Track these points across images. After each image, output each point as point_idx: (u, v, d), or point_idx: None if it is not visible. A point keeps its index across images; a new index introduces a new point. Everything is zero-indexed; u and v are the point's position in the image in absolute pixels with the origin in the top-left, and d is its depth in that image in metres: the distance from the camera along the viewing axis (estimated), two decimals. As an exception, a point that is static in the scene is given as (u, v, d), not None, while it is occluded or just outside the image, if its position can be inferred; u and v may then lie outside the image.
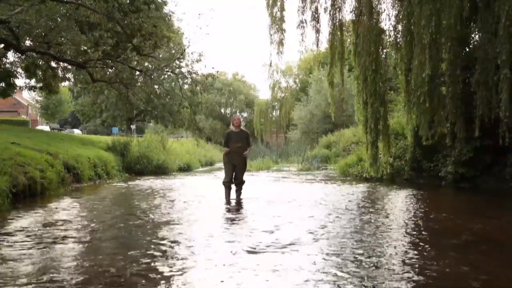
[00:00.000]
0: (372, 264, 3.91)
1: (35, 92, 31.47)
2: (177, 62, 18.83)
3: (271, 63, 13.02)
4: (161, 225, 5.82)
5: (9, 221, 5.97)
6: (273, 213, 6.74)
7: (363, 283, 3.39)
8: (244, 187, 8.54)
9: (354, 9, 11.58)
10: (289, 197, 8.79)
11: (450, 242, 4.95)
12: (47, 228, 5.54)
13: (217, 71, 18.87)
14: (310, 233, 5.20)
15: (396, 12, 11.16)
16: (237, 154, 8.28)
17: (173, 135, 34.44)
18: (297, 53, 30.55)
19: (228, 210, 7.40)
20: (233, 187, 8.47)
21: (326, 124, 30.60)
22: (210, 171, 19.36)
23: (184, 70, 18.56)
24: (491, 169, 10.51)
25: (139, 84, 19.54)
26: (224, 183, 8.44)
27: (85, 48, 15.37)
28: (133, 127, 35.37)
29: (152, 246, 4.56)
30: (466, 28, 10.22)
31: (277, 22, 11.95)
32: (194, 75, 17.94)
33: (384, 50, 11.54)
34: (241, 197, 8.36)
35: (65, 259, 4.13)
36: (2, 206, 6.73)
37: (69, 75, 19.93)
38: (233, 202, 8.05)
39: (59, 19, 13.63)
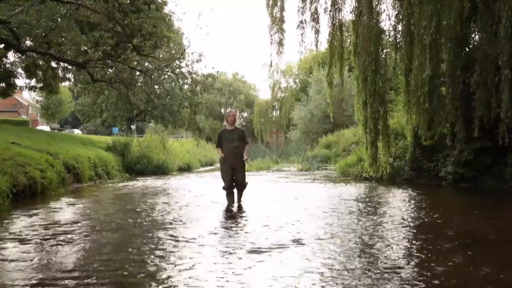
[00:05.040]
0: (371, 264, 3.92)
1: (35, 92, 31.51)
2: (177, 62, 18.86)
3: (271, 63, 13.12)
4: (161, 225, 5.83)
5: (9, 221, 5.98)
6: (273, 213, 6.74)
7: (362, 284, 3.40)
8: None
9: (354, 9, 11.59)
10: (289, 197, 8.79)
11: (449, 242, 4.96)
12: (47, 228, 5.55)
13: (217, 71, 18.89)
14: (311, 232, 5.21)
15: (396, 12, 11.18)
16: (234, 155, 7.52)
17: (173, 135, 34.44)
18: (297, 53, 30.58)
19: (229, 211, 7.37)
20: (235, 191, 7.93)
21: (326, 124, 30.58)
22: (210, 171, 19.36)
23: (184, 70, 18.61)
24: (491, 169, 10.50)
25: (139, 84, 19.58)
26: (224, 189, 7.70)
27: (85, 48, 15.41)
28: (133, 127, 35.42)
29: (153, 246, 4.57)
30: (466, 28, 10.22)
31: (277, 23, 11.97)
32: (194, 75, 17.97)
33: (384, 50, 11.54)
34: (242, 199, 7.96)
35: (65, 259, 4.13)
36: (2, 206, 6.74)
37: (69, 75, 20.01)
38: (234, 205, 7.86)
39: (59, 19, 13.67)
